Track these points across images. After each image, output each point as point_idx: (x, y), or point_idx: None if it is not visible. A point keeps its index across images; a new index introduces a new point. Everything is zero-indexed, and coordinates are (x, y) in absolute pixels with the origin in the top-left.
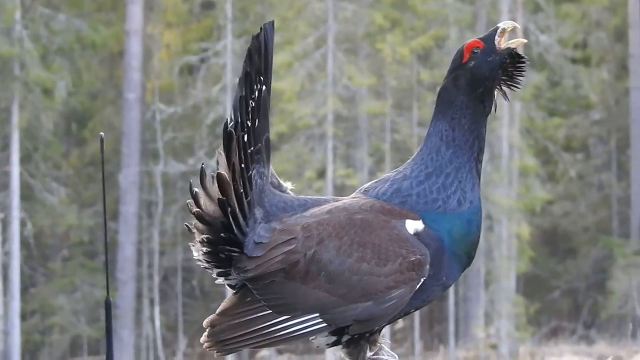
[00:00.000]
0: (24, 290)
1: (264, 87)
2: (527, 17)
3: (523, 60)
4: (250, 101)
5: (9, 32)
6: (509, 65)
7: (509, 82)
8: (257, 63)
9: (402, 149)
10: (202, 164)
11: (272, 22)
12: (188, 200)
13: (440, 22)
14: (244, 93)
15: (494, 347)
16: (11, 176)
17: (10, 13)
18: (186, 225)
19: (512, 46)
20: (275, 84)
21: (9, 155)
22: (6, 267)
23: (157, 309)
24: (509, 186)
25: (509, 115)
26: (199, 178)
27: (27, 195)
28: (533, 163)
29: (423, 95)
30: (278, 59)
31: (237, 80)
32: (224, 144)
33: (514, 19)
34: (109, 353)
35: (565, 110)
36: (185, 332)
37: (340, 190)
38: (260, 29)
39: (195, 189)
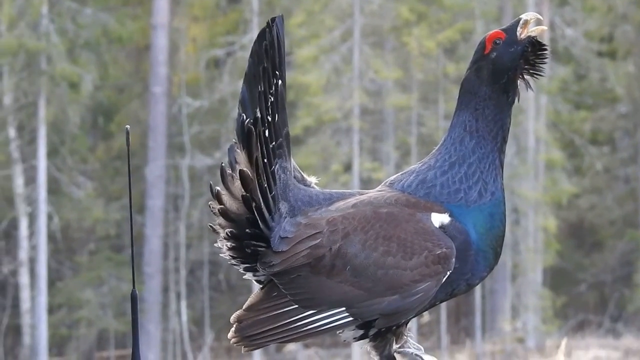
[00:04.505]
0: (51, 284)
1: (279, 82)
2: (554, 11)
3: (545, 47)
4: (270, 96)
5: (36, 26)
6: (531, 54)
7: (531, 71)
8: (272, 57)
9: (428, 142)
10: (222, 163)
11: (282, 16)
12: (210, 202)
13: (466, 16)
14: (262, 88)
15: (520, 340)
16: (38, 170)
17: (37, 7)
18: (210, 226)
19: (533, 34)
20: (302, 78)
21: (35, 149)
22: (33, 261)
23: (183, 303)
24: (535, 179)
25: (535, 109)
26: (220, 177)
27: (54, 189)
28: (559, 156)
29: (449, 88)
30: (304, 52)
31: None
32: (242, 141)
33: (540, 12)
34: (135, 347)
35: (591, 103)
36: (212, 325)
37: (366, 183)
38: (268, 23)
39: (217, 188)
